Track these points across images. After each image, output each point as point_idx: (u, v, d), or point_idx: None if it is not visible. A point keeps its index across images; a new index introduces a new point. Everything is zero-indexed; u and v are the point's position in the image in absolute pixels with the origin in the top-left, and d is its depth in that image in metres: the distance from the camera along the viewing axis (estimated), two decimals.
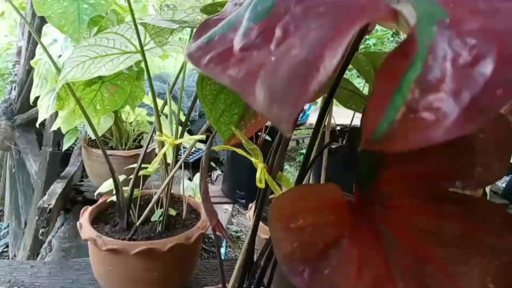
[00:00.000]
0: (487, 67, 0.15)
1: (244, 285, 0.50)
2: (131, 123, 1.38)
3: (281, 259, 0.30)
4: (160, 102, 1.21)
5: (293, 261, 0.30)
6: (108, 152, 1.18)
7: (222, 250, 1.45)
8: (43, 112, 0.98)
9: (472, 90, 0.15)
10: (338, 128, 1.46)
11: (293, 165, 2.81)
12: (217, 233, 0.47)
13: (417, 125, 0.16)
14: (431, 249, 0.29)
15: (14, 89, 1.67)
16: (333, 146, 1.26)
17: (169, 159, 0.81)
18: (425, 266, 0.29)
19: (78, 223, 0.75)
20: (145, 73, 0.72)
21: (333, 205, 0.31)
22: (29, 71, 1.55)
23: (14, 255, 1.60)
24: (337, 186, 0.32)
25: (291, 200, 0.31)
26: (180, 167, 0.80)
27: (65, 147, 1.22)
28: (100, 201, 0.82)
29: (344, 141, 1.41)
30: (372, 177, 0.32)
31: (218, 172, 1.83)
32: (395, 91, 0.17)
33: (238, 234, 1.78)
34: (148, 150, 0.91)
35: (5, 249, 1.77)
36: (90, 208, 0.79)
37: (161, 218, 0.78)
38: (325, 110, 0.39)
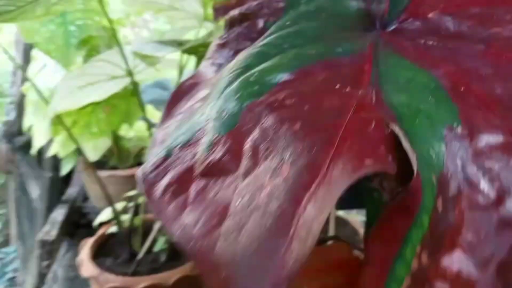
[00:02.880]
0: None
1: None
2: (130, 139, 1.34)
3: None
4: (160, 113, 1.18)
5: None
6: (108, 173, 1.15)
7: None
8: (38, 139, 0.95)
9: (499, 250, 0.11)
10: None
11: None
12: None
13: None
14: None
15: (13, 110, 1.65)
16: None
17: None
18: None
19: (78, 259, 0.71)
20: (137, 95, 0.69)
21: (341, 265, 0.29)
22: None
23: (24, 280, 1.58)
24: (346, 245, 0.29)
25: None
26: None
27: (63, 171, 1.19)
28: (99, 233, 0.79)
29: None
30: None
31: None
32: (395, 258, 0.13)
33: None
34: None
35: (14, 274, 1.75)
36: (89, 241, 0.76)
37: (165, 247, 0.75)
38: None
